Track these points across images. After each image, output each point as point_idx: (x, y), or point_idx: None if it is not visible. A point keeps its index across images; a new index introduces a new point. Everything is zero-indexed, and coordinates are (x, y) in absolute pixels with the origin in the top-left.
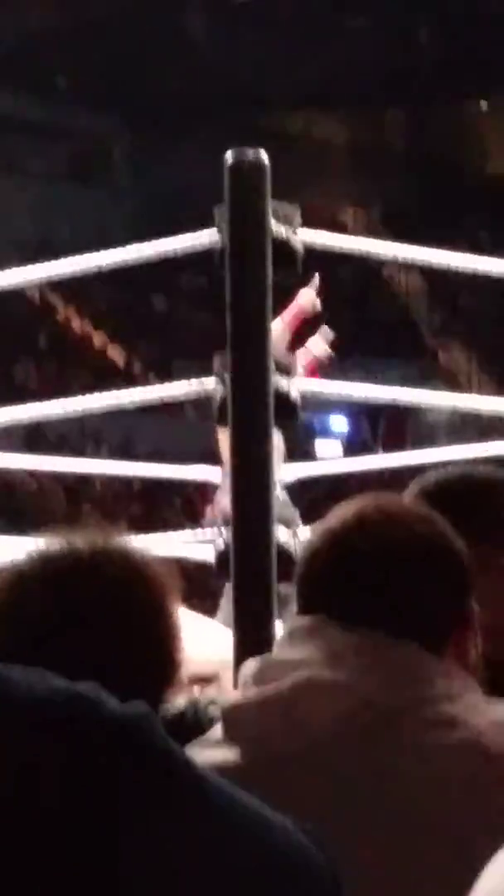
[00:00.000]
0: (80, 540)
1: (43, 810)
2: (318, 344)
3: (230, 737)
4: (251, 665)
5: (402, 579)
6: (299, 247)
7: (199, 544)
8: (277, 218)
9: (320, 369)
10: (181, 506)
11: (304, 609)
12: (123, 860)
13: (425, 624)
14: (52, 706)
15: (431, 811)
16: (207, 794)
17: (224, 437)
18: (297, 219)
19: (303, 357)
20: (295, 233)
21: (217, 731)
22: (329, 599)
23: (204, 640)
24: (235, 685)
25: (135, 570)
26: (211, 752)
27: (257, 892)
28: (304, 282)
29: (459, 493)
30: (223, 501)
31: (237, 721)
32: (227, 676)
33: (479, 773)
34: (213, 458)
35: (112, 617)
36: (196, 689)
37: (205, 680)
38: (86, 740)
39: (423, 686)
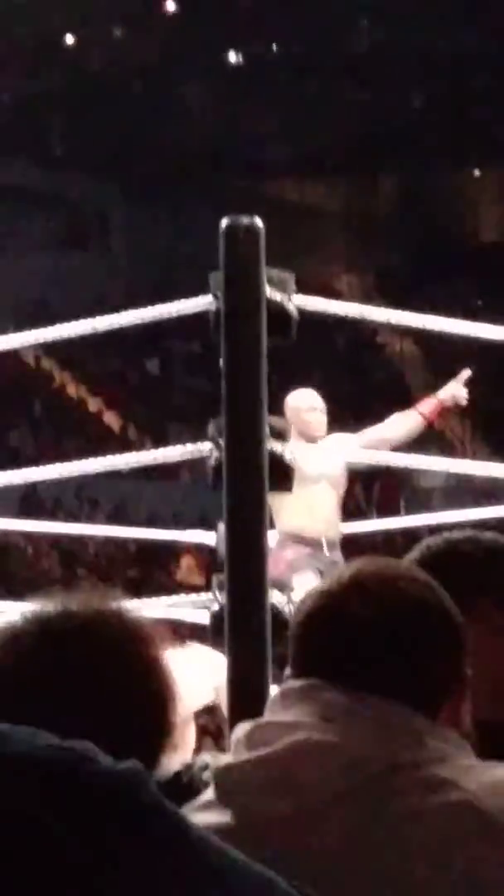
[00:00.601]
0: (75, 602)
1: (33, 866)
2: (451, 389)
3: (222, 799)
4: (243, 727)
5: (396, 643)
6: (294, 312)
7: (194, 609)
8: (272, 284)
9: (444, 413)
10: (177, 570)
11: (297, 670)
12: None
13: (419, 687)
14: (45, 762)
15: (425, 873)
16: (199, 850)
17: (274, 500)
18: (292, 284)
19: (428, 403)
20: (290, 298)
21: (209, 793)
22: (322, 661)
23: (195, 669)
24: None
25: (130, 632)
26: (202, 815)
27: None
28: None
29: (467, 555)
30: (280, 560)
31: (229, 783)
32: (223, 700)
33: (472, 835)
34: (207, 521)
35: (107, 678)
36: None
37: (205, 713)
38: (78, 796)
39: (415, 748)
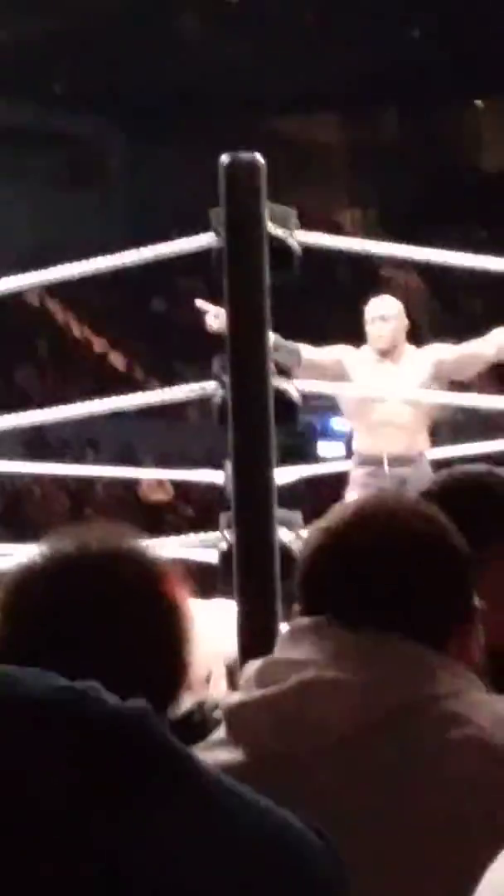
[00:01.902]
0: (89, 539)
1: (44, 808)
2: None
3: (233, 737)
4: (253, 665)
5: (400, 576)
6: (297, 248)
7: (203, 548)
8: (274, 219)
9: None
10: (185, 510)
11: (305, 606)
12: (125, 855)
13: (425, 620)
14: (52, 704)
15: (437, 809)
16: (210, 788)
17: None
18: (294, 220)
19: None
20: (292, 234)
21: (220, 731)
22: (328, 597)
23: (216, 619)
24: (234, 684)
25: (146, 569)
26: (214, 753)
27: (262, 886)
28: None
29: (484, 487)
30: (349, 482)
31: (240, 721)
32: (220, 670)
33: (485, 772)
34: (216, 461)
35: (122, 615)
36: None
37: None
38: (86, 737)
39: (427, 683)
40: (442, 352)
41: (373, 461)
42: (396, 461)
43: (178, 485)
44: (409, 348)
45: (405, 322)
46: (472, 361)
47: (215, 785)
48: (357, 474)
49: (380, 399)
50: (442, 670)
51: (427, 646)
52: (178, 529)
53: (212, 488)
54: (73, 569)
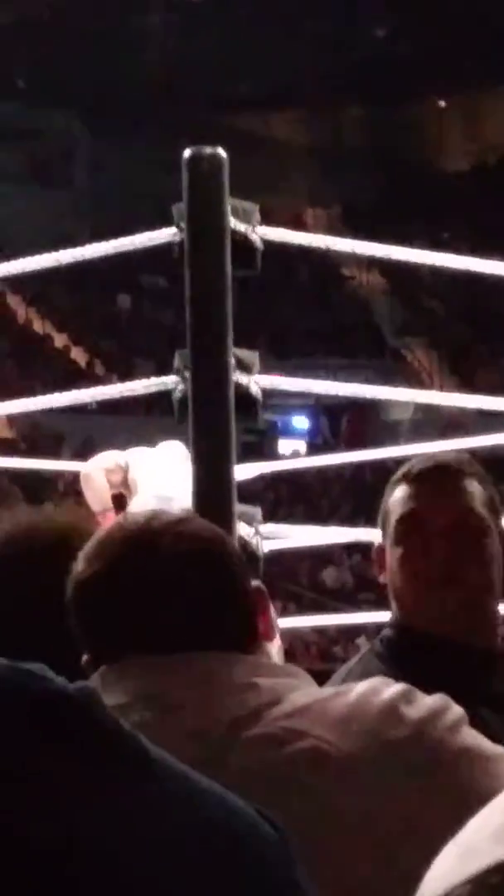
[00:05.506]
0: (41, 520)
1: None
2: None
3: None
4: None
5: (189, 595)
6: (258, 242)
7: None
8: (236, 214)
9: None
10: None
11: (95, 645)
12: (73, 829)
13: (227, 630)
14: None
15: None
16: (157, 766)
17: None
18: (256, 215)
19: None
20: (254, 229)
21: None
22: (121, 633)
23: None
24: None
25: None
26: None
27: (208, 868)
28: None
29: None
30: None
31: None
32: None
33: (331, 781)
34: None
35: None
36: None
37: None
38: (33, 712)
39: (247, 697)
40: None
41: None
42: None
43: None
44: None
45: None
46: None
47: (163, 765)
48: None
49: None
50: (258, 676)
51: (231, 649)
52: None
53: None
54: (39, 551)
